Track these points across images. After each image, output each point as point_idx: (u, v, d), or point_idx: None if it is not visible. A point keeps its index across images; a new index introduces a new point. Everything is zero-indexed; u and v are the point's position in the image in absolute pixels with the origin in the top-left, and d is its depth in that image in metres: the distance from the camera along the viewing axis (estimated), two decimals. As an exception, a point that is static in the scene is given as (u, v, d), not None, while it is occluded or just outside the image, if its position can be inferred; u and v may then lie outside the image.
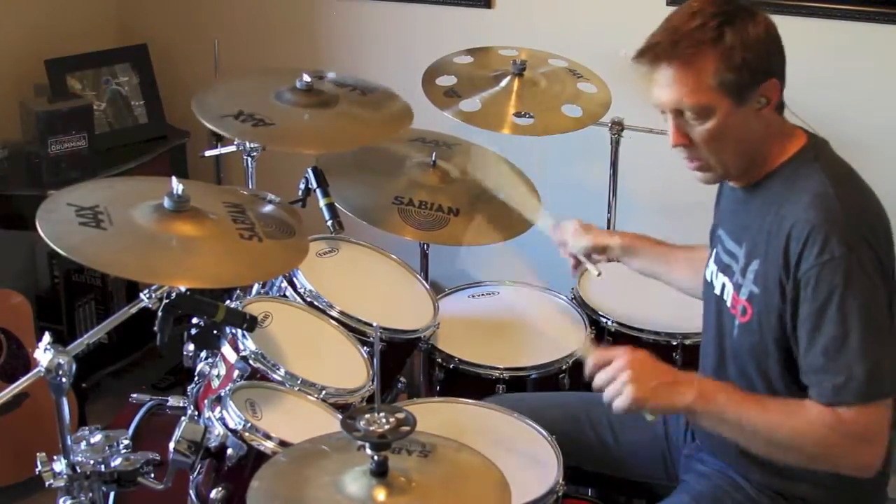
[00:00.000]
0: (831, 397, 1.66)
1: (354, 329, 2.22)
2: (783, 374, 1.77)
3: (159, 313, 1.90)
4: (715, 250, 1.94)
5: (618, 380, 1.72)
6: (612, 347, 1.79)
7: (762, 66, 1.69)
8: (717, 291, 1.90)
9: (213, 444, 1.85)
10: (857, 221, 1.67)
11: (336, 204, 2.45)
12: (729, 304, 1.85)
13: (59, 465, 1.77)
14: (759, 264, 1.76)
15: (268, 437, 1.83)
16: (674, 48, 1.69)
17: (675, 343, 2.41)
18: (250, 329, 1.99)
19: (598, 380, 1.75)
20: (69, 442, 1.78)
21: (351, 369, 2.14)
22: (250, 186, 2.68)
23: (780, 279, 1.71)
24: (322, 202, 2.44)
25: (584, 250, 2.21)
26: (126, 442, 1.84)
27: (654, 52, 1.71)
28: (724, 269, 1.88)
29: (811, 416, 1.68)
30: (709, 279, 1.95)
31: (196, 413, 2.03)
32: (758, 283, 1.76)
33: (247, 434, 1.83)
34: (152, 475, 1.84)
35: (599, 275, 2.23)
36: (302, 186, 2.49)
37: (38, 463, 1.78)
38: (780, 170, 1.77)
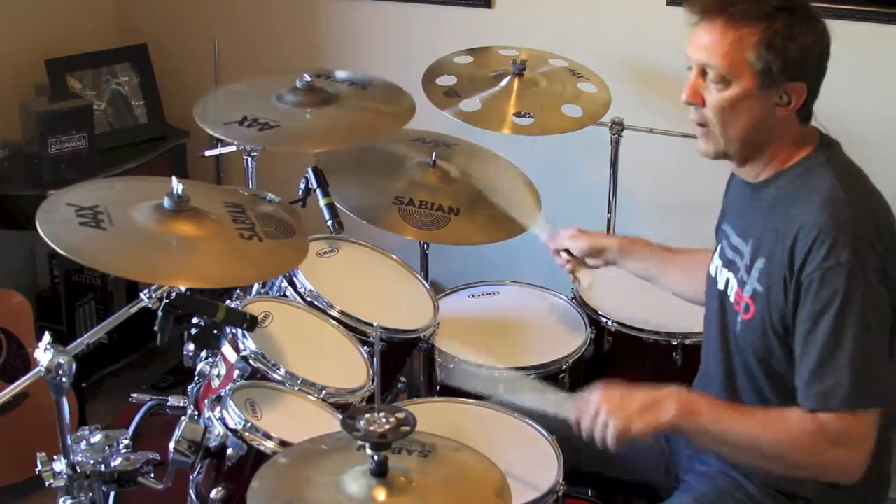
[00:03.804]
0: (817, 403, 1.66)
1: (354, 329, 2.22)
2: (792, 372, 1.76)
3: (159, 313, 1.90)
4: (720, 245, 1.94)
5: (598, 419, 1.73)
6: (584, 392, 1.79)
7: (797, 64, 1.69)
8: (721, 287, 1.90)
9: (213, 444, 1.85)
10: (866, 228, 1.67)
11: (336, 204, 2.45)
12: (732, 299, 1.85)
13: (59, 465, 1.77)
14: (764, 263, 1.76)
15: (268, 437, 1.83)
16: (728, 5, 1.69)
17: (675, 343, 2.41)
18: (250, 329, 1.99)
19: (585, 430, 1.76)
20: (69, 442, 1.78)
21: (351, 369, 2.14)
22: (250, 186, 2.67)
23: (784, 279, 1.71)
24: (322, 202, 2.44)
25: (582, 252, 2.22)
26: (126, 442, 1.84)
27: (708, 2, 1.71)
28: (729, 264, 1.88)
29: (792, 422, 1.68)
30: (713, 274, 1.94)
31: (196, 413, 2.02)
32: (762, 281, 1.76)
33: (247, 434, 1.83)
34: (152, 475, 1.84)
35: (590, 287, 2.23)
36: (302, 186, 2.49)
37: (38, 463, 1.78)
38: (791, 169, 1.77)
